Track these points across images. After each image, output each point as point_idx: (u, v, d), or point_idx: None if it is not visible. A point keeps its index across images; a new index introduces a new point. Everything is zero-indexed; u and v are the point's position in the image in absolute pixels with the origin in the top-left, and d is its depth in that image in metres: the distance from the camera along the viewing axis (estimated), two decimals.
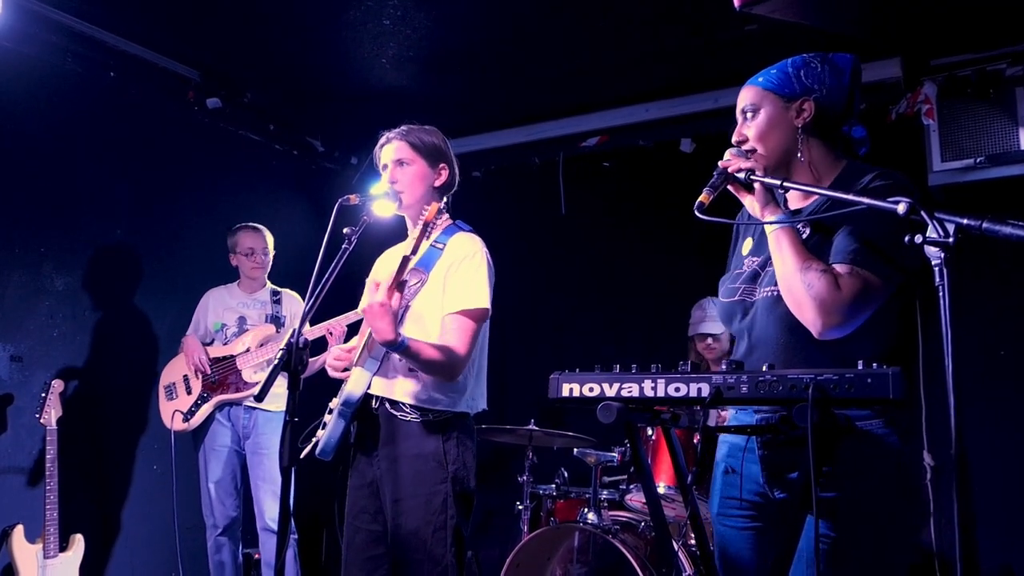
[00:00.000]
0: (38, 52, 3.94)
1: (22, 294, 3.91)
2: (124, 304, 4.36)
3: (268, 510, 4.06)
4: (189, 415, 4.05)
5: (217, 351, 4.14)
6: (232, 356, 4.11)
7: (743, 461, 1.98)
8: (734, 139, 2.03)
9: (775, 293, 1.90)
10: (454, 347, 2.44)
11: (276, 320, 4.25)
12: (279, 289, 4.38)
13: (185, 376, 4.12)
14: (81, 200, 4.19)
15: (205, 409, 4.07)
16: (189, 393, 4.09)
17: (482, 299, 2.50)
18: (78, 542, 3.69)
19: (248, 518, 4.16)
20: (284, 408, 4.15)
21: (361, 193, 2.58)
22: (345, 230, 2.43)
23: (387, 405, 2.50)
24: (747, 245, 2.09)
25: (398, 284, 2.34)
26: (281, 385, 4.06)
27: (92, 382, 4.18)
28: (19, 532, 3.51)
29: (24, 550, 3.50)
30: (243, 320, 4.24)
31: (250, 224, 4.35)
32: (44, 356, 3.97)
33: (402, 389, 2.48)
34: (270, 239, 4.35)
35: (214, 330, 4.22)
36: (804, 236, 1.91)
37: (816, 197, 1.98)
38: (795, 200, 2.06)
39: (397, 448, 2.47)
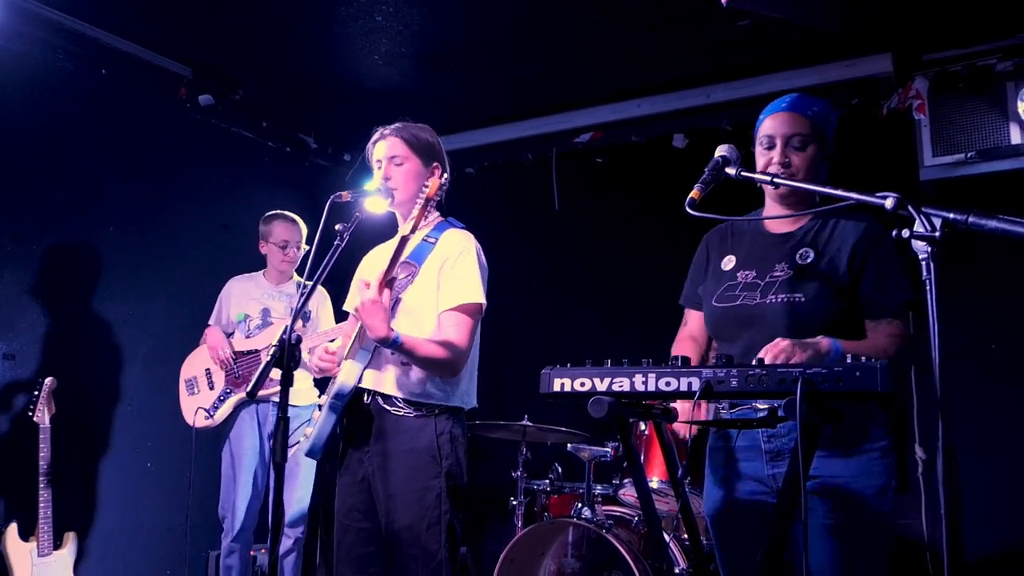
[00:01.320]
0: (29, 49, 3.92)
1: (14, 292, 3.90)
2: (117, 301, 4.34)
3: (290, 508, 3.95)
4: (212, 411, 3.94)
5: (241, 344, 4.02)
6: (257, 351, 4.00)
7: (745, 461, 2.01)
8: (778, 159, 2.09)
9: (785, 299, 2.03)
10: (454, 341, 2.44)
11: (304, 314, 4.09)
12: (306, 282, 4.27)
13: (207, 370, 4.01)
14: (73, 198, 4.18)
15: (228, 405, 3.95)
16: (212, 388, 3.98)
17: (477, 294, 2.50)
18: (72, 540, 3.69)
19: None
20: (312, 403, 4.10)
21: (353, 190, 2.58)
22: (337, 227, 2.43)
23: (379, 399, 2.49)
24: (728, 262, 2.23)
25: (388, 281, 2.35)
26: (307, 379, 4.03)
27: (85, 380, 4.17)
28: (13, 530, 3.51)
29: (18, 548, 3.49)
30: (267, 312, 4.10)
31: (286, 213, 4.23)
32: (37, 354, 3.96)
33: (394, 383, 2.48)
34: (305, 232, 4.24)
35: (236, 321, 4.10)
36: (809, 260, 2.03)
37: (808, 219, 2.15)
38: (783, 225, 2.19)
39: (390, 443, 2.46)
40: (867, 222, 2.10)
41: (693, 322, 2.39)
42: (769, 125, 2.16)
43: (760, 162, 2.16)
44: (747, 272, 2.16)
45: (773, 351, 1.77)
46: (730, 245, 2.28)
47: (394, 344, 2.34)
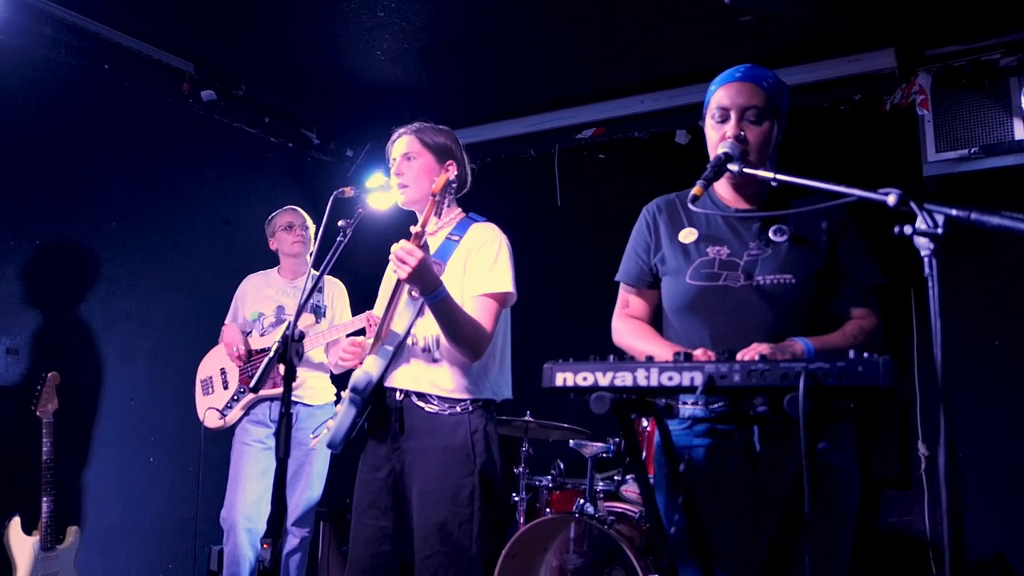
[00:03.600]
0: (32, 45, 3.93)
1: (17, 286, 3.91)
2: (119, 296, 4.35)
3: (296, 507, 3.90)
4: (225, 411, 3.88)
5: (255, 342, 3.97)
6: (270, 348, 3.91)
7: (731, 462, 2.00)
8: (732, 133, 2.01)
9: (774, 281, 1.97)
10: (480, 323, 2.44)
11: (316, 309, 4.02)
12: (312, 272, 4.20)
13: (223, 369, 3.97)
14: (76, 193, 4.19)
15: (242, 405, 3.89)
16: (226, 388, 3.94)
17: (505, 282, 2.50)
18: (74, 534, 3.70)
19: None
20: (328, 402, 4.03)
21: (356, 186, 2.59)
22: (340, 223, 2.44)
23: (413, 398, 2.49)
24: (688, 235, 2.13)
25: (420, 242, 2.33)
26: (322, 378, 4.02)
27: (88, 374, 4.18)
28: (15, 524, 3.51)
29: (21, 542, 3.50)
30: (282, 310, 4.04)
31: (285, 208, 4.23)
32: (40, 349, 3.96)
33: (428, 380, 2.48)
34: (309, 219, 4.20)
35: (251, 319, 4.05)
36: (786, 239, 2.02)
37: (766, 194, 2.10)
38: (741, 200, 2.13)
39: (424, 441, 2.46)
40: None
41: (636, 304, 2.25)
42: (723, 96, 2.04)
43: (712, 137, 2.06)
44: (718, 248, 2.07)
45: (751, 356, 1.73)
46: (684, 217, 2.16)
47: (440, 296, 2.32)
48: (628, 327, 2.21)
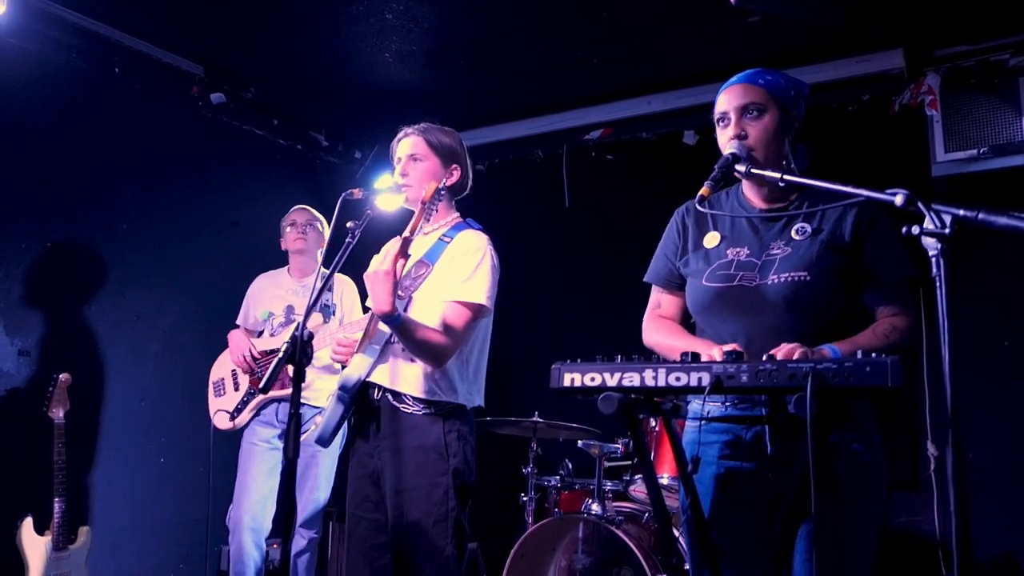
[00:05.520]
0: (43, 48, 3.95)
1: (28, 289, 3.93)
2: (129, 298, 4.37)
3: (303, 508, 3.89)
4: (235, 414, 3.87)
5: (264, 343, 3.95)
6: (279, 349, 3.91)
7: (744, 461, 1.99)
8: (733, 132, 2.03)
9: (788, 279, 1.96)
10: (447, 333, 2.45)
11: (324, 308, 3.97)
12: (321, 273, 4.16)
13: (234, 371, 3.97)
14: (86, 195, 4.21)
15: (252, 407, 3.87)
16: (237, 390, 3.94)
17: (479, 294, 2.50)
18: (86, 534, 3.72)
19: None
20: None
21: (365, 187, 2.60)
22: (348, 224, 2.45)
23: (389, 396, 2.51)
24: (712, 239, 2.14)
25: (403, 254, 2.35)
26: (328, 380, 4.03)
27: (99, 376, 4.20)
28: (28, 524, 3.54)
29: (33, 542, 3.53)
30: (291, 309, 4.03)
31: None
32: (51, 350, 3.99)
33: (405, 380, 2.50)
34: (321, 218, 4.19)
35: (261, 319, 4.05)
36: (807, 235, 1.99)
37: (792, 198, 2.08)
38: (762, 201, 2.12)
39: (399, 440, 2.48)
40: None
41: (668, 304, 2.28)
42: (723, 101, 2.08)
43: (721, 142, 2.08)
44: (739, 250, 2.07)
45: (783, 354, 1.72)
46: (710, 221, 2.18)
47: (395, 321, 2.34)
48: (656, 325, 2.25)
